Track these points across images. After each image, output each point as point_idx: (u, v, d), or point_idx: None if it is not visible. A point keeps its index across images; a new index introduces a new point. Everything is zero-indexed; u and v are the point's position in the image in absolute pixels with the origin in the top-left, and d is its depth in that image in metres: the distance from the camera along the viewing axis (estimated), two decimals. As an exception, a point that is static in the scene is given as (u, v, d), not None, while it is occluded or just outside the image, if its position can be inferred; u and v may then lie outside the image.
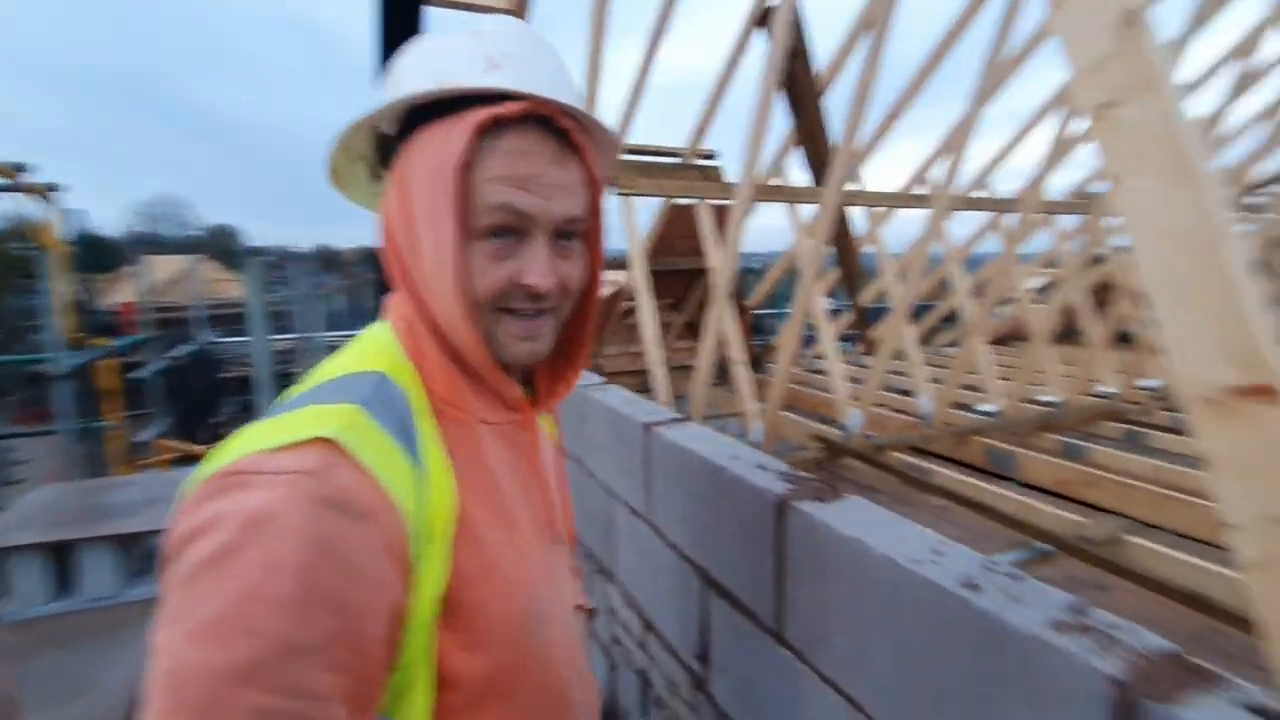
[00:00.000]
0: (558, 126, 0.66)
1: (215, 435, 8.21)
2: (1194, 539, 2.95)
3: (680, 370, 6.47)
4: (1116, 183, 0.79)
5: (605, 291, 6.12)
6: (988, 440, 4.21)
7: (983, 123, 3.61)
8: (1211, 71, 5.15)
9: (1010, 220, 5.25)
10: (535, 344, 0.70)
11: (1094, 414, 4.74)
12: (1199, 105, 5.38)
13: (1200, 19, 3.61)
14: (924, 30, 5.27)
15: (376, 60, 2.63)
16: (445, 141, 0.64)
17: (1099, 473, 3.60)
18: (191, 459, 5.29)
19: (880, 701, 1.00)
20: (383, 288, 0.78)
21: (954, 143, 3.57)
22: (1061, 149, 4.28)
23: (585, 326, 0.79)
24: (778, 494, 1.21)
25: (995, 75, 3.43)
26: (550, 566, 0.77)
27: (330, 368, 0.69)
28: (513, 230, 0.66)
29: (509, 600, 0.67)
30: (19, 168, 3.80)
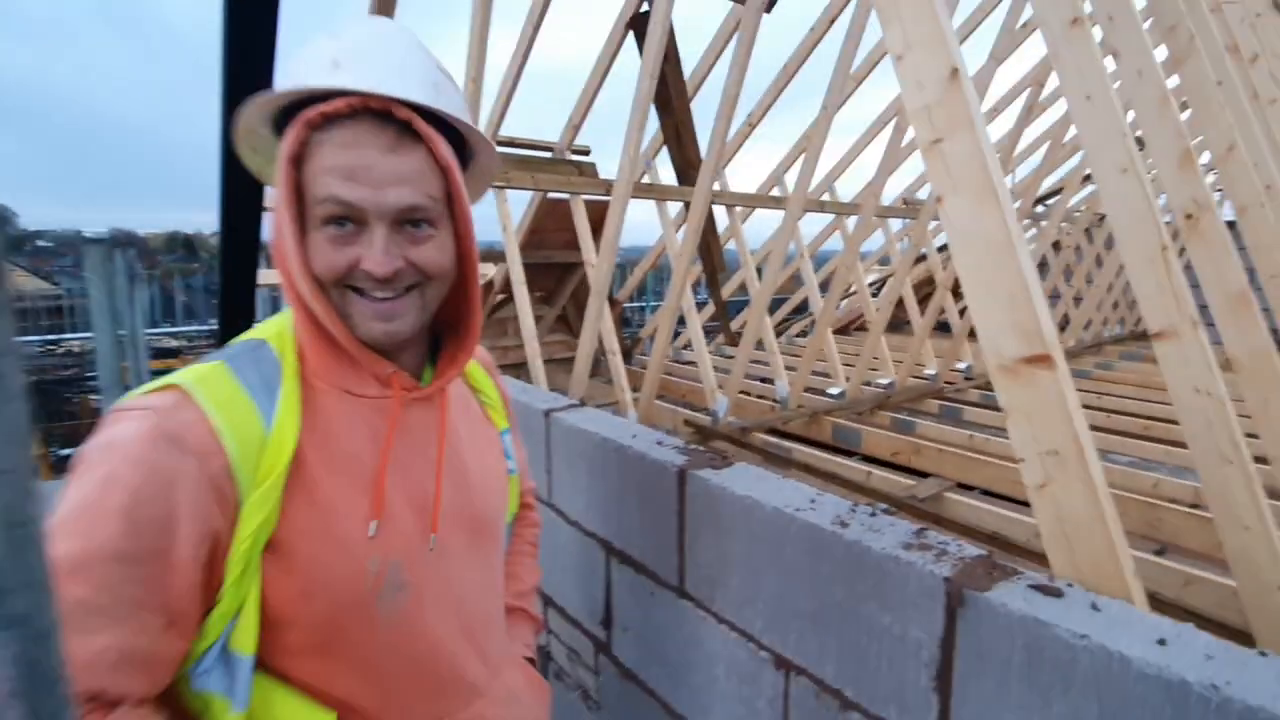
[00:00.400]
0: (398, 118, 0.70)
1: None
2: (998, 494, 3.54)
3: (552, 363, 6.54)
4: (940, 200, 1.02)
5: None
6: (835, 419, 4.72)
7: (830, 131, 4.03)
8: (1006, 100, 6.04)
9: (851, 221, 5.85)
10: (390, 324, 0.76)
11: (920, 393, 5.45)
12: (997, 128, 6.30)
13: (997, 56, 4.26)
14: (785, 41, 5.71)
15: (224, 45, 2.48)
16: (287, 138, 0.71)
17: (924, 443, 4.18)
18: None
19: (768, 629, 1.20)
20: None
21: (806, 149, 3.96)
22: (893, 159, 4.86)
23: (470, 303, 0.84)
24: (678, 464, 1.37)
25: (842, 89, 3.84)
26: (430, 544, 0.82)
27: (241, 336, 0.81)
28: (349, 219, 0.71)
29: (348, 559, 0.74)
30: None
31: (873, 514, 1.12)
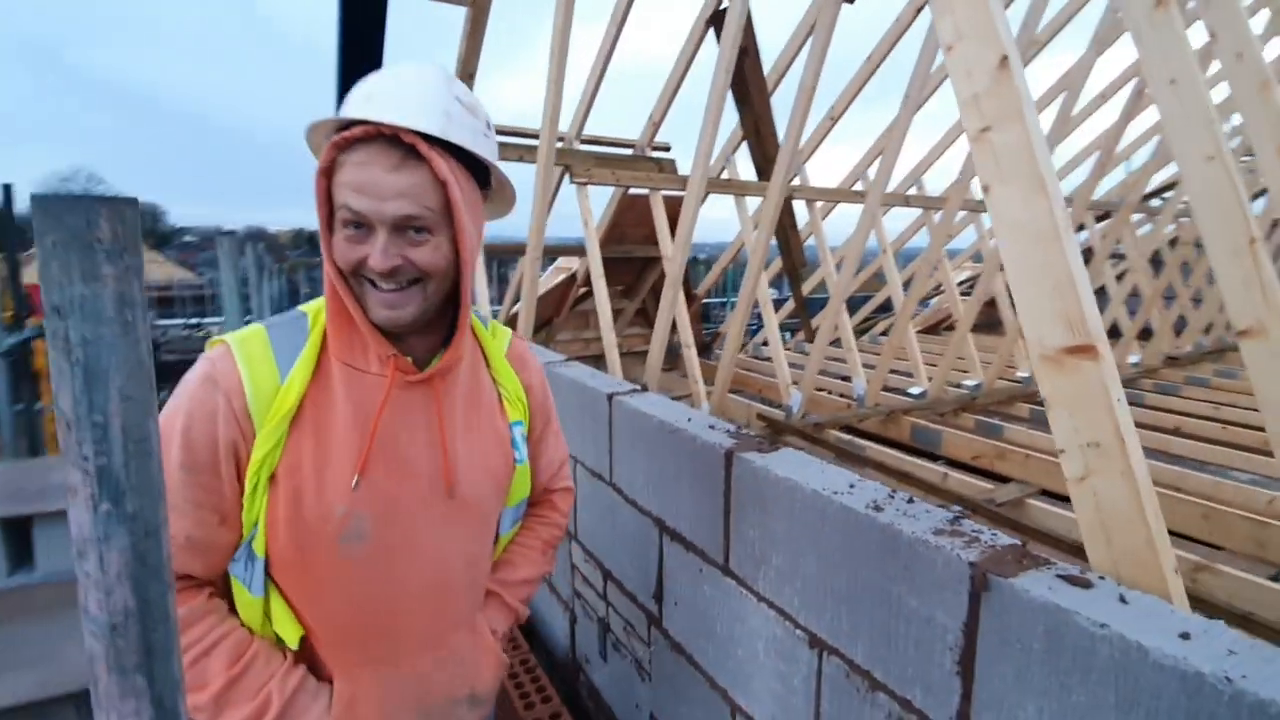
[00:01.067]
0: (404, 142, 0.84)
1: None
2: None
3: (631, 356, 6.67)
4: (987, 190, 1.02)
5: (558, 279, 6.25)
6: (914, 419, 4.59)
7: (916, 125, 3.92)
8: (1114, 87, 5.63)
9: (939, 217, 5.64)
10: (394, 312, 0.89)
11: (1009, 396, 5.19)
12: (1103, 119, 5.88)
13: (1100, 44, 4.01)
14: (866, 35, 5.58)
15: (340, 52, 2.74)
16: (321, 156, 0.87)
17: (1009, 447, 4.00)
18: None
19: (805, 608, 1.23)
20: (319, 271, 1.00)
21: (888, 144, 3.87)
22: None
23: (460, 301, 0.96)
24: (726, 446, 1.43)
25: (924, 83, 3.73)
26: (405, 506, 0.95)
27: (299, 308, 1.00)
28: (360, 223, 0.86)
29: (320, 501, 0.90)
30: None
31: (910, 500, 1.14)
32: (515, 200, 1.06)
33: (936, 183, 6.59)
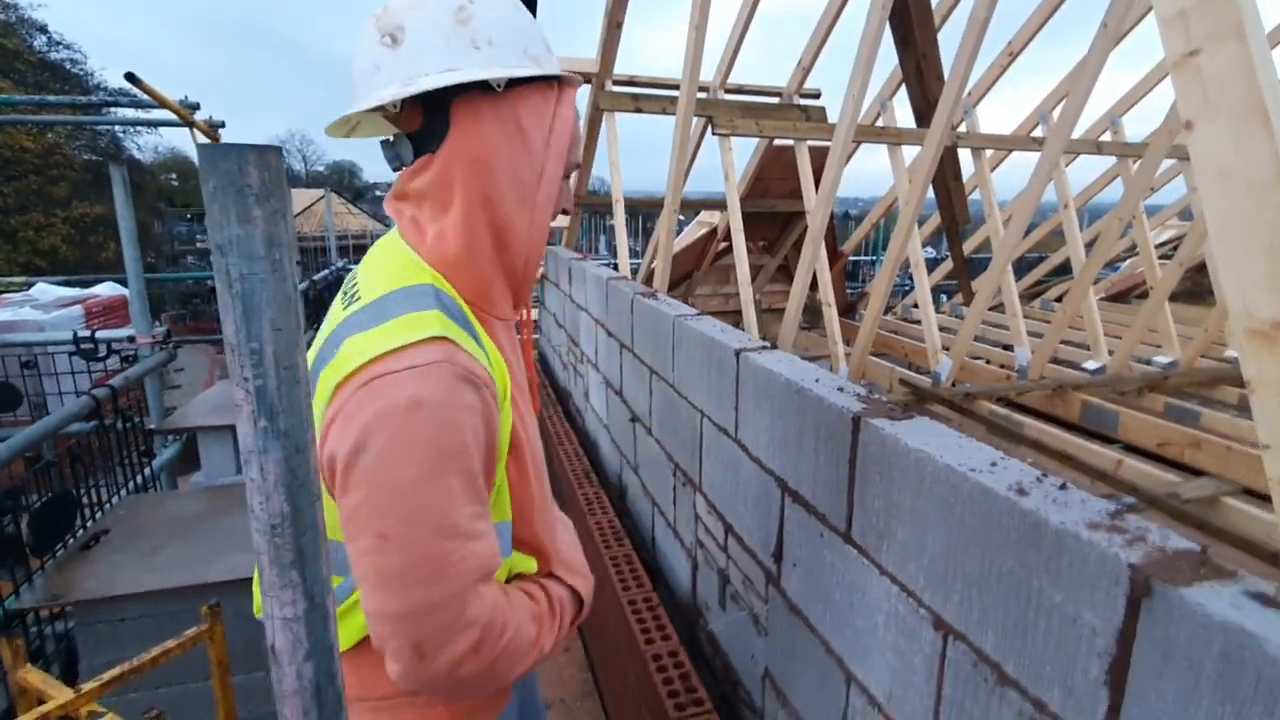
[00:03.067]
0: None
1: (343, 350, 9.09)
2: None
3: (771, 313, 6.52)
4: (1189, 127, 0.85)
5: (699, 233, 6.19)
6: (1087, 396, 4.10)
7: (1113, 61, 3.37)
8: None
9: (1138, 167, 4.89)
10: None
11: (1213, 378, 4.48)
12: None
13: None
14: (1059, -46, 4.87)
15: None
16: (554, 105, 0.90)
17: (1208, 436, 3.47)
18: None
19: (931, 587, 1.16)
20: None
21: (1078, 81, 3.37)
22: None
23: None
24: (854, 411, 1.35)
25: (1127, 10, 3.19)
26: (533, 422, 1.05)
27: (378, 282, 0.88)
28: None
29: (532, 438, 0.99)
30: (193, 107, 4.29)
31: (1062, 486, 1.02)
32: None
33: (1136, 129, 5.69)
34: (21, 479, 2.19)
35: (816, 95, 4.97)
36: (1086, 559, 0.88)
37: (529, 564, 1.04)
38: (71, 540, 2.23)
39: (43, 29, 17.19)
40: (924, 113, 4.46)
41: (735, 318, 6.84)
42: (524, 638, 0.90)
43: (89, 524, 2.36)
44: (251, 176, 0.58)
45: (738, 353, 1.90)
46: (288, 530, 0.68)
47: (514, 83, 0.86)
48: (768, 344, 1.95)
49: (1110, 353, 4.51)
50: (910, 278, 6.54)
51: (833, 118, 4.76)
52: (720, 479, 2.09)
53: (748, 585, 1.91)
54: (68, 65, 17.71)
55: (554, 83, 0.89)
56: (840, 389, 1.50)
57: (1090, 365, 4.54)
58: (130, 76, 3.71)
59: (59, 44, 17.57)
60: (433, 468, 0.75)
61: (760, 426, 1.78)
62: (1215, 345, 4.89)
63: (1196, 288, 6.47)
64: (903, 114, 5.25)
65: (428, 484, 0.75)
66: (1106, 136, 5.37)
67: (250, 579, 2.42)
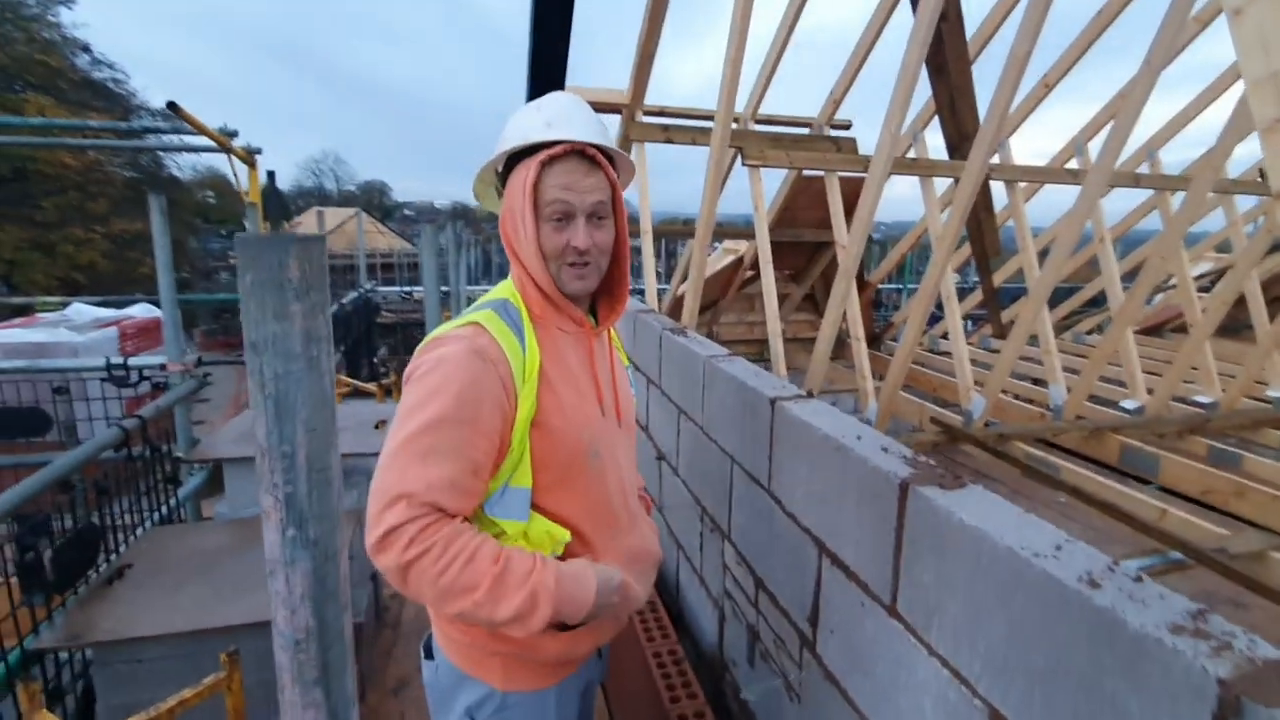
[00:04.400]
0: (587, 155, 1.15)
1: (374, 372, 9.08)
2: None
3: (796, 342, 6.44)
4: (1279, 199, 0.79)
5: (725, 261, 6.16)
6: (1125, 439, 3.97)
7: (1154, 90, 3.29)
8: None
9: (1176, 199, 4.77)
10: (584, 282, 1.20)
11: (1256, 420, 4.32)
12: None
13: None
14: (1094, -13, 4.81)
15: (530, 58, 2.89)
16: (526, 172, 1.14)
17: (1253, 484, 3.32)
18: (361, 394, 6.04)
19: (987, 676, 1.08)
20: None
21: (1119, 117, 3.30)
22: (1246, 120, 3.83)
23: (622, 271, 1.28)
24: (902, 476, 1.29)
25: (1171, 44, 3.12)
26: (607, 429, 1.27)
27: (484, 297, 1.27)
28: (564, 215, 1.15)
29: (574, 428, 1.19)
30: (231, 134, 4.37)
31: (1137, 579, 0.95)
32: (634, 173, 1.42)
33: (1170, 156, 5.56)
34: (49, 509, 2.19)
35: (847, 126, 4.94)
36: (1169, 669, 0.81)
37: (558, 533, 1.20)
38: (95, 575, 2.22)
39: (85, 48, 17.73)
40: (956, 144, 4.40)
41: (760, 346, 6.77)
42: (459, 573, 1.01)
43: (113, 557, 2.35)
44: (292, 270, 0.54)
45: (773, 401, 1.84)
46: (313, 646, 0.63)
47: (512, 160, 1.19)
48: (803, 393, 1.89)
49: (1149, 391, 4.37)
50: (938, 306, 6.44)
51: (864, 148, 4.72)
52: (751, 530, 2.02)
53: (780, 646, 1.84)
54: (110, 85, 18.26)
55: (534, 153, 1.15)
56: (885, 449, 1.44)
57: (1128, 405, 4.41)
58: (172, 105, 3.78)
59: (101, 63, 18.12)
60: (427, 400, 1.05)
61: (796, 480, 1.72)
62: (1256, 385, 4.72)
63: (1234, 322, 6.28)
64: (933, 142, 5.20)
65: (420, 409, 1.05)
66: (1144, 168, 5.26)
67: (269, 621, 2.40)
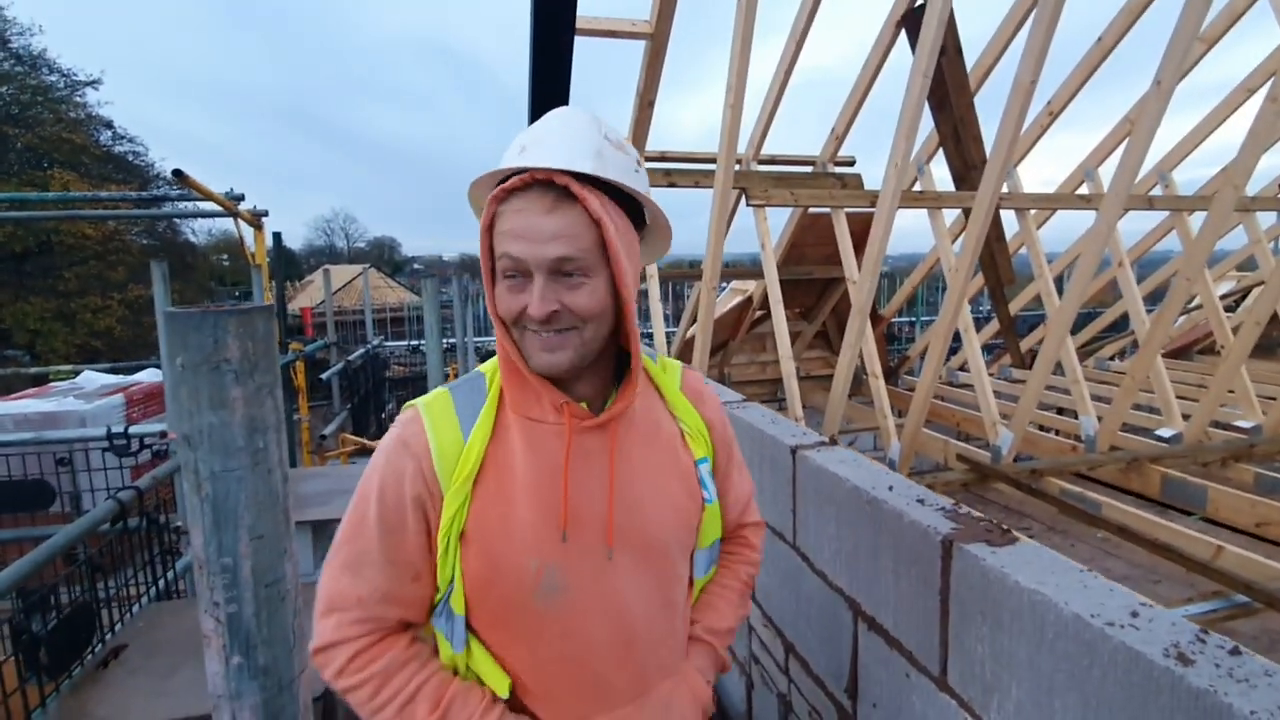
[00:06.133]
0: (558, 185, 0.83)
1: (382, 428, 9.02)
2: None
3: (810, 380, 6.32)
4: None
5: (734, 301, 6.09)
6: (1166, 469, 3.78)
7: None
8: None
9: (1196, 220, 4.68)
10: (553, 356, 0.87)
11: (1303, 442, 4.12)
12: None
13: None
14: (1094, 10, 4.82)
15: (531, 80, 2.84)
16: (485, 211, 0.88)
17: (1311, 513, 3.13)
18: (368, 452, 5.99)
19: (1064, 767, 0.94)
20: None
21: (1130, 133, 3.23)
22: (1266, 134, 3.74)
23: (628, 342, 0.94)
24: (944, 533, 1.17)
25: (1181, 64, 3.06)
26: (580, 558, 0.92)
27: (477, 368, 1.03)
28: (519, 272, 0.85)
29: (513, 556, 0.89)
30: (237, 198, 4.44)
31: (1234, 651, 0.82)
32: (672, 237, 1.02)
33: (1182, 174, 5.47)
34: (52, 582, 2.11)
35: (851, 163, 4.92)
36: (1293, 766, 0.68)
37: (497, 681, 0.93)
38: (90, 656, 2.11)
39: (108, 124, 18.40)
40: (962, 175, 4.35)
41: (773, 386, 6.64)
42: (394, 716, 0.87)
43: (109, 636, 2.24)
44: (231, 350, 0.45)
45: (794, 450, 1.73)
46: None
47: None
48: (826, 440, 1.77)
49: (1185, 417, 4.20)
50: (955, 337, 6.31)
51: (868, 184, 4.68)
52: (778, 590, 1.89)
53: (815, 718, 1.68)
54: (130, 158, 18.86)
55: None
56: (921, 500, 1.32)
57: (1163, 433, 4.23)
58: (177, 173, 3.82)
59: (122, 138, 18.76)
60: (358, 498, 0.90)
61: (824, 536, 1.60)
62: (1299, 405, 4.52)
63: (1267, 340, 6.10)
64: (938, 174, 5.16)
65: (353, 509, 0.90)
66: (1157, 190, 5.18)
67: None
